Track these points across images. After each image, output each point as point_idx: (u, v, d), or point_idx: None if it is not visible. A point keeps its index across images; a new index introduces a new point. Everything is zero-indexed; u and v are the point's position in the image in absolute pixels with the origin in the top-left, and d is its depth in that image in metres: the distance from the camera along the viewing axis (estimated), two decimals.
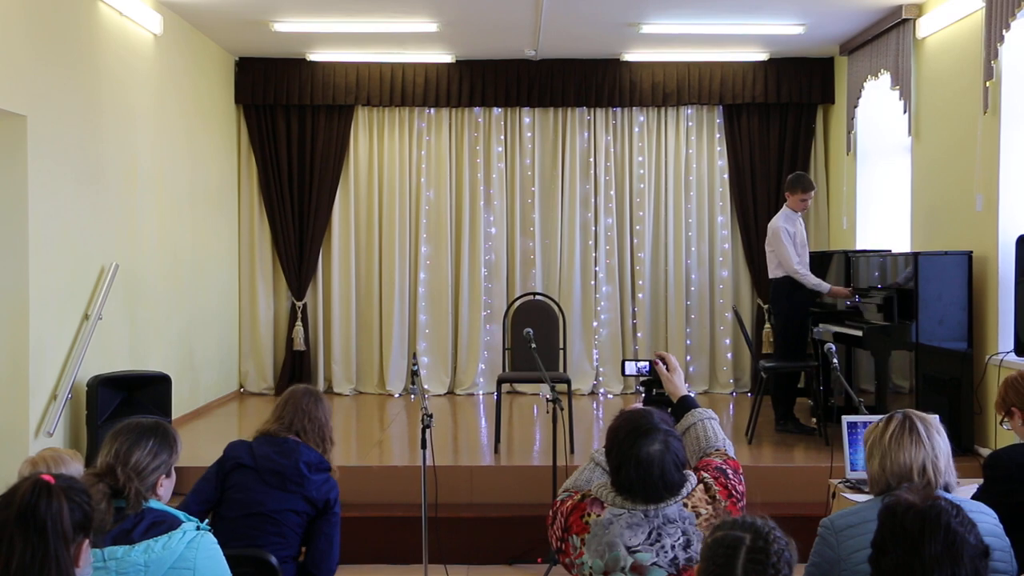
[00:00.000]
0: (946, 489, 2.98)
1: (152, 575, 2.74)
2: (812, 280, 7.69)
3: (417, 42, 9.31)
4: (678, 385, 3.46)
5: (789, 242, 7.67)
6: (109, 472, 2.91)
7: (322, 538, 4.02)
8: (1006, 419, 3.93)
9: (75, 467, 3.28)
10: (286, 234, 10.09)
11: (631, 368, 3.75)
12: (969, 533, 2.33)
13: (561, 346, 7.94)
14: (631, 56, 9.83)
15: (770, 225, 7.86)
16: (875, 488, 3.08)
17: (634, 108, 10.20)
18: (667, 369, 3.50)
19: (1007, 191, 6.83)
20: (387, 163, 10.24)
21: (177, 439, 3.08)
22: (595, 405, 9.60)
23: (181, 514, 2.92)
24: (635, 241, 10.23)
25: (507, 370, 7.88)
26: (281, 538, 3.92)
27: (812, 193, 7.88)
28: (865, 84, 8.82)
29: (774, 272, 7.80)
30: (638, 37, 9.06)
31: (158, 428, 3.06)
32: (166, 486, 3.01)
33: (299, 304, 10.14)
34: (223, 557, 2.89)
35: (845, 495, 4.42)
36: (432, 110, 10.24)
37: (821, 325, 7.90)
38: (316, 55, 9.78)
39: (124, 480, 2.89)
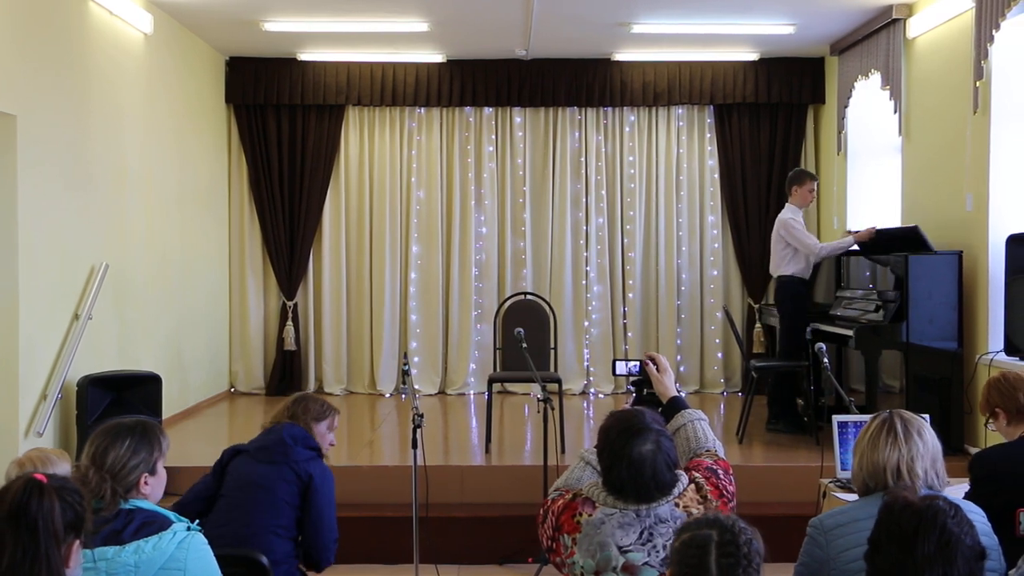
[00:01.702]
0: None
1: None
2: (835, 245, 7.79)
3: (408, 42, 9.31)
4: (668, 386, 3.47)
5: (804, 228, 7.77)
6: (87, 472, 2.90)
7: (312, 515, 4.06)
8: (991, 420, 3.94)
9: (62, 467, 3.27)
10: (276, 234, 10.08)
11: (621, 368, 3.75)
12: (965, 534, 2.32)
13: (552, 346, 7.94)
14: (622, 56, 9.84)
15: (780, 220, 7.85)
16: (855, 486, 3.10)
17: (625, 108, 10.21)
18: (657, 370, 3.51)
19: (997, 191, 6.86)
20: (378, 163, 10.23)
21: (162, 436, 3.05)
22: (586, 405, 9.61)
23: (172, 514, 2.91)
24: (626, 241, 10.25)
25: (498, 370, 7.88)
26: (274, 508, 4.01)
27: (817, 183, 8.00)
28: (855, 84, 8.84)
29: (784, 269, 7.80)
30: (629, 37, 9.07)
31: (136, 427, 3.03)
32: (152, 484, 2.99)
33: (289, 304, 10.13)
34: (213, 557, 2.89)
35: (835, 495, 4.43)
36: (423, 110, 10.24)
37: (812, 324, 7.91)
38: (307, 55, 9.77)
39: (97, 481, 2.88)
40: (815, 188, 7.95)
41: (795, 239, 7.72)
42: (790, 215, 7.78)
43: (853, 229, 7.82)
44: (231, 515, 4.03)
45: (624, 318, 10.26)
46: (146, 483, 2.97)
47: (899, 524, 2.34)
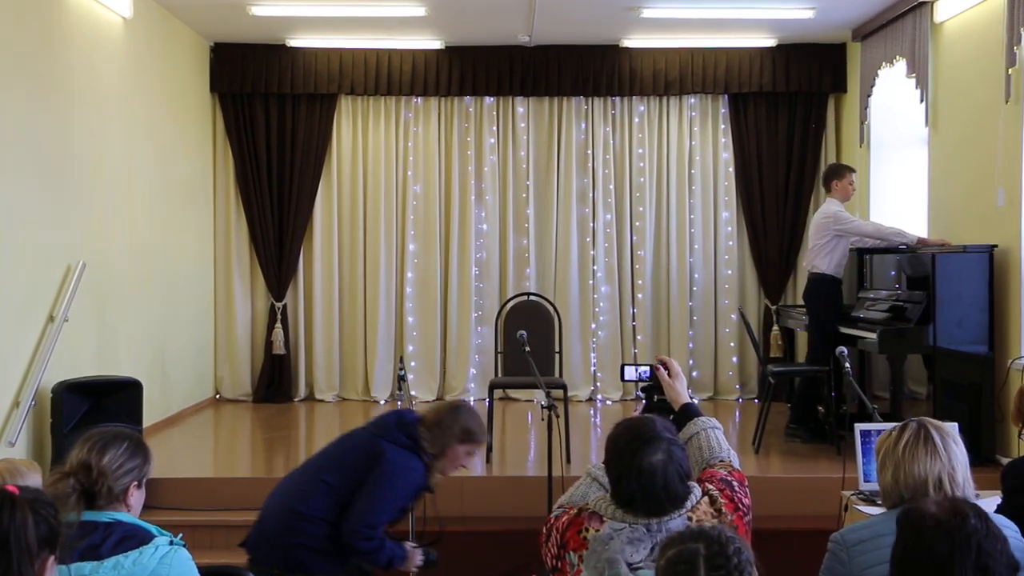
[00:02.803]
0: None
1: None
2: (888, 229, 7.81)
3: (404, 27, 9.30)
4: (680, 392, 3.46)
5: (851, 216, 7.85)
6: (81, 468, 2.90)
7: (361, 489, 4.12)
8: None
9: (33, 479, 3.27)
10: (265, 231, 10.07)
11: (631, 373, 3.74)
12: (1001, 553, 2.31)
13: (557, 349, 7.94)
14: (631, 42, 9.82)
15: (826, 211, 7.82)
16: (887, 501, 3.07)
17: (634, 97, 10.20)
18: (669, 375, 3.49)
19: None
20: (372, 156, 10.22)
21: (150, 453, 3.07)
22: (593, 412, 9.61)
23: (154, 528, 2.91)
24: (635, 238, 10.24)
25: (499, 375, 7.88)
26: (330, 461, 4.27)
27: (855, 174, 8.04)
28: (879, 71, 8.82)
29: (816, 265, 7.83)
30: (639, 22, 9.05)
31: (133, 435, 3.07)
32: (136, 497, 3.00)
33: (278, 305, 10.12)
34: (198, 573, 2.88)
35: (858, 508, 4.43)
36: (420, 99, 10.23)
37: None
38: (297, 41, 9.76)
39: (97, 475, 2.88)
40: (855, 180, 7.95)
41: (850, 229, 7.74)
42: (837, 208, 7.78)
43: (922, 237, 7.78)
44: (304, 464, 4.40)
45: (633, 320, 10.25)
46: (132, 494, 2.97)
47: (931, 549, 2.31)
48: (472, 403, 9.88)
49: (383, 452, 4.13)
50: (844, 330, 7.68)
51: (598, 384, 10.22)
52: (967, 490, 2.99)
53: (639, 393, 3.83)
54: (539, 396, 7.00)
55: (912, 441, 3.01)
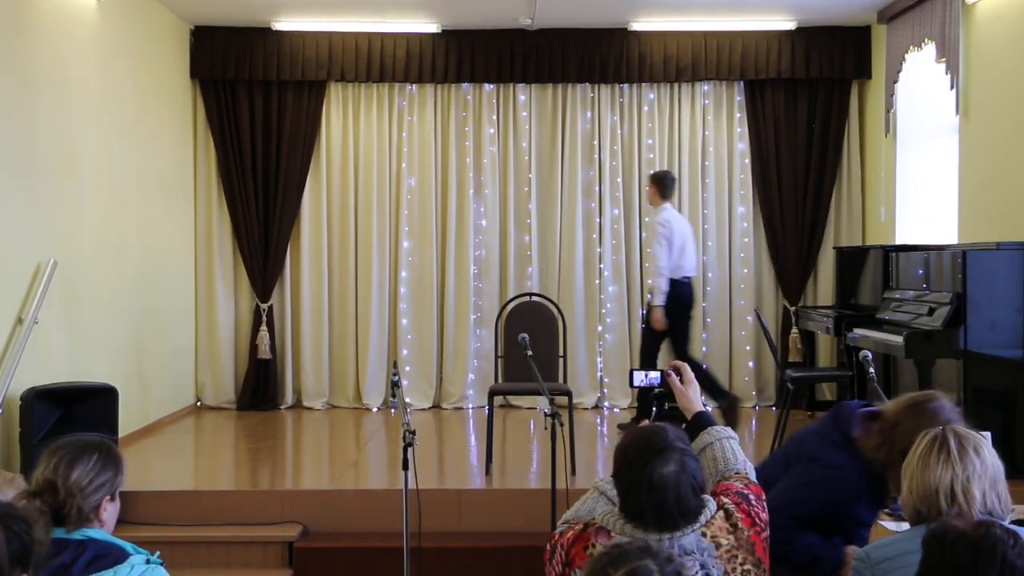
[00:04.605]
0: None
1: None
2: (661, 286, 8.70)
3: (398, 9, 9.30)
4: (693, 399, 3.45)
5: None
6: (47, 487, 2.89)
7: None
8: None
9: (9, 493, 3.26)
10: (249, 227, 10.06)
11: (640, 379, 3.74)
12: None
13: (561, 354, 7.92)
14: (640, 25, 9.81)
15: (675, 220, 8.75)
16: (907, 514, 3.07)
17: (643, 84, 10.20)
18: (681, 381, 3.49)
19: None
20: (364, 147, 10.21)
21: (123, 460, 3.06)
22: (599, 420, 9.59)
23: (129, 545, 2.90)
24: (644, 235, 10.23)
25: (499, 381, 7.86)
26: (778, 451, 4.51)
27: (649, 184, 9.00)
28: (907, 56, 8.81)
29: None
30: (648, 3, 9.05)
31: (102, 444, 3.05)
32: (110, 511, 2.99)
33: (264, 306, 10.12)
34: None
35: (883, 524, 4.42)
36: (414, 87, 10.22)
37: (856, 330, 7.90)
38: (283, 23, 9.75)
39: (65, 495, 2.87)
40: (648, 190, 8.96)
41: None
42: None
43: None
44: None
45: (642, 323, 10.24)
46: (105, 509, 2.96)
47: (953, 560, 2.32)
48: (470, 411, 9.91)
49: (809, 447, 3.94)
50: (868, 333, 7.67)
51: (605, 391, 10.21)
52: (993, 503, 2.95)
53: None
54: (542, 403, 7.01)
55: (926, 449, 3.00)
